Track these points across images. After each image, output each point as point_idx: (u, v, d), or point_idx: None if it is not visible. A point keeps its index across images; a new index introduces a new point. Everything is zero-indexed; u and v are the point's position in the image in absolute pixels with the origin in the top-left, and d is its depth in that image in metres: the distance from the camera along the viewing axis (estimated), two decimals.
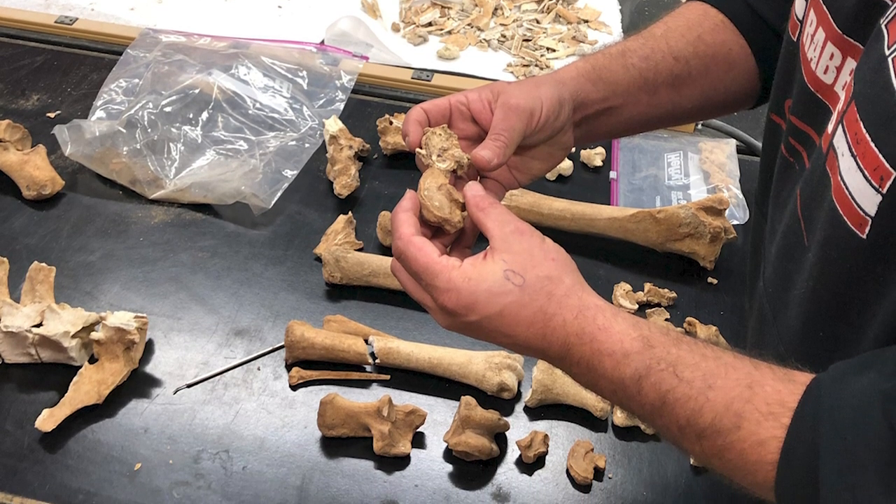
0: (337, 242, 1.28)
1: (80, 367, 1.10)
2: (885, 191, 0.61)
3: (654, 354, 0.70)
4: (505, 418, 1.06)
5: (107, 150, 1.38)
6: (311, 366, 1.14)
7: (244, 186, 1.34)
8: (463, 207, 0.82)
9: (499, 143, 0.83)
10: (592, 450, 1.05)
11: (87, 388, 1.08)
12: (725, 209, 1.27)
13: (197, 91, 1.48)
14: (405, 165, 1.45)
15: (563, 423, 1.10)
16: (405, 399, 1.11)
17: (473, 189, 0.81)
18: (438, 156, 0.84)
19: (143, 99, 1.44)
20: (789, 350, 0.79)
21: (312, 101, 1.53)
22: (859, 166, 0.63)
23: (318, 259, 1.28)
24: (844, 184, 0.65)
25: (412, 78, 1.63)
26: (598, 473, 1.04)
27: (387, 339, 1.14)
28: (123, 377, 1.10)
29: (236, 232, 1.33)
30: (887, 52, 0.62)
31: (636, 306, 1.23)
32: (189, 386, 1.12)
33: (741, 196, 1.39)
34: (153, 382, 1.12)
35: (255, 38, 1.66)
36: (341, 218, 1.31)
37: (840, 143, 0.66)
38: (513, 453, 1.06)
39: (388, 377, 1.14)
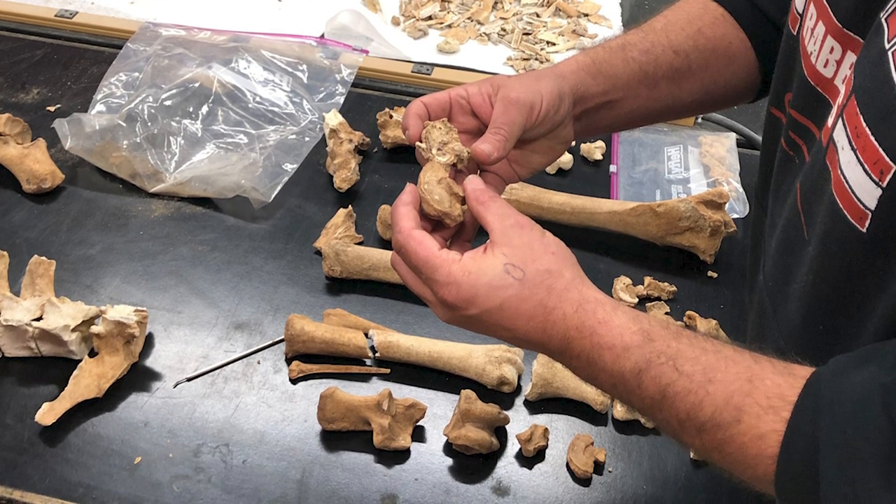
0: (337, 236, 1.28)
1: (80, 360, 1.10)
2: (885, 184, 0.61)
3: (654, 348, 0.70)
4: (505, 412, 1.06)
5: (107, 143, 1.38)
6: (311, 359, 1.14)
7: (244, 180, 1.34)
8: (463, 201, 0.82)
9: (499, 136, 0.83)
10: (592, 443, 1.05)
11: (87, 381, 1.08)
12: (725, 203, 1.27)
13: (197, 85, 1.48)
14: (405, 159, 1.44)
15: (563, 416, 1.10)
16: (405, 393, 1.11)
17: (473, 183, 0.81)
18: (438, 149, 0.84)
19: (143, 93, 1.44)
20: (789, 344, 0.79)
21: (312, 95, 1.53)
22: (859, 160, 0.63)
23: (318, 253, 1.28)
24: (844, 177, 0.65)
25: (412, 72, 1.62)
26: (598, 467, 1.05)
27: (387, 333, 1.15)
28: (123, 371, 1.10)
29: (236, 226, 1.33)
30: (887, 46, 0.62)
31: (636, 300, 1.23)
32: (189, 380, 1.12)
33: (741, 190, 1.39)
34: (153, 376, 1.12)
35: (255, 32, 1.66)
36: (341, 212, 1.31)
37: (840, 136, 0.66)
38: (513, 447, 1.07)
39: (388, 371, 1.14)
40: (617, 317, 0.72)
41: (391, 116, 1.43)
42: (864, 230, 0.64)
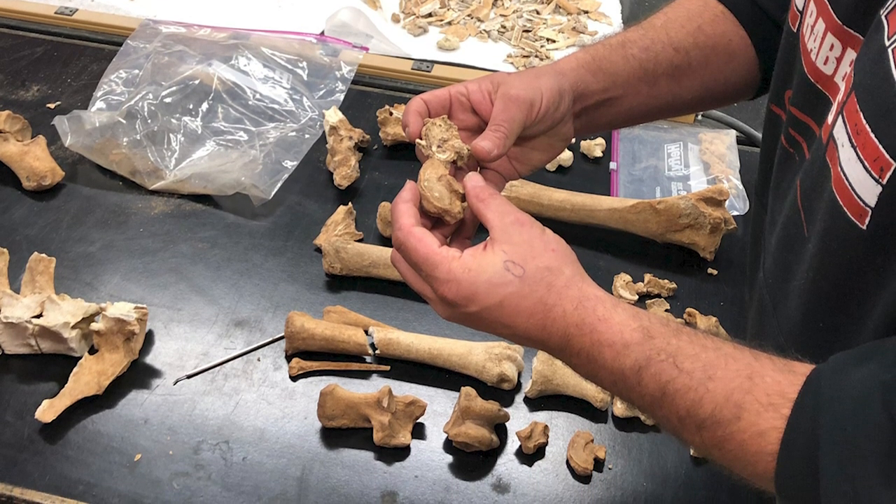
0: (337, 233, 1.28)
1: (80, 357, 1.10)
2: (885, 182, 0.61)
3: (654, 345, 0.70)
4: (505, 409, 1.06)
5: (107, 140, 1.38)
6: (311, 357, 1.14)
7: (244, 177, 1.34)
8: (463, 198, 0.82)
9: (499, 133, 0.83)
10: (592, 440, 1.05)
11: (87, 378, 1.08)
12: (725, 200, 1.27)
13: (197, 82, 1.48)
14: (405, 156, 1.44)
15: (563, 413, 1.10)
16: (405, 390, 1.11)
17: (473, 180, 0.81)
18: (438, 146, 0.83)
19: (143, 90, 1.44)
20: (789, 341, 0.79)
21: (312, 92, 1.53)
22: (859, 157, 0.63)
23: (318, 250, 1.28)
24: (844, 175, 0.65)
25: (412, 69, 1.62)
26: (598, 464, 1.05)
27: (387, 330, 1.15)
28: (123, 368, 1.10)
29: (236, 223, 1.33)
30: (887, 43, 0.62)
31: (636, 297, 1.23)
32: (189, 377, 1.12)
33: (741, 187, 1.39)
34: (153, 373, 1.12)
35: (255, 29, 1.66)
36: (341, 209, 1.31)
37: (840, 133, 0.66)
38: (513, 444, 1.07)
39: (388, 368, 1.14)
40: (617, 314, 0.72)
41: (391, 113, 1.43)
42: (864, 227, 0.64)
